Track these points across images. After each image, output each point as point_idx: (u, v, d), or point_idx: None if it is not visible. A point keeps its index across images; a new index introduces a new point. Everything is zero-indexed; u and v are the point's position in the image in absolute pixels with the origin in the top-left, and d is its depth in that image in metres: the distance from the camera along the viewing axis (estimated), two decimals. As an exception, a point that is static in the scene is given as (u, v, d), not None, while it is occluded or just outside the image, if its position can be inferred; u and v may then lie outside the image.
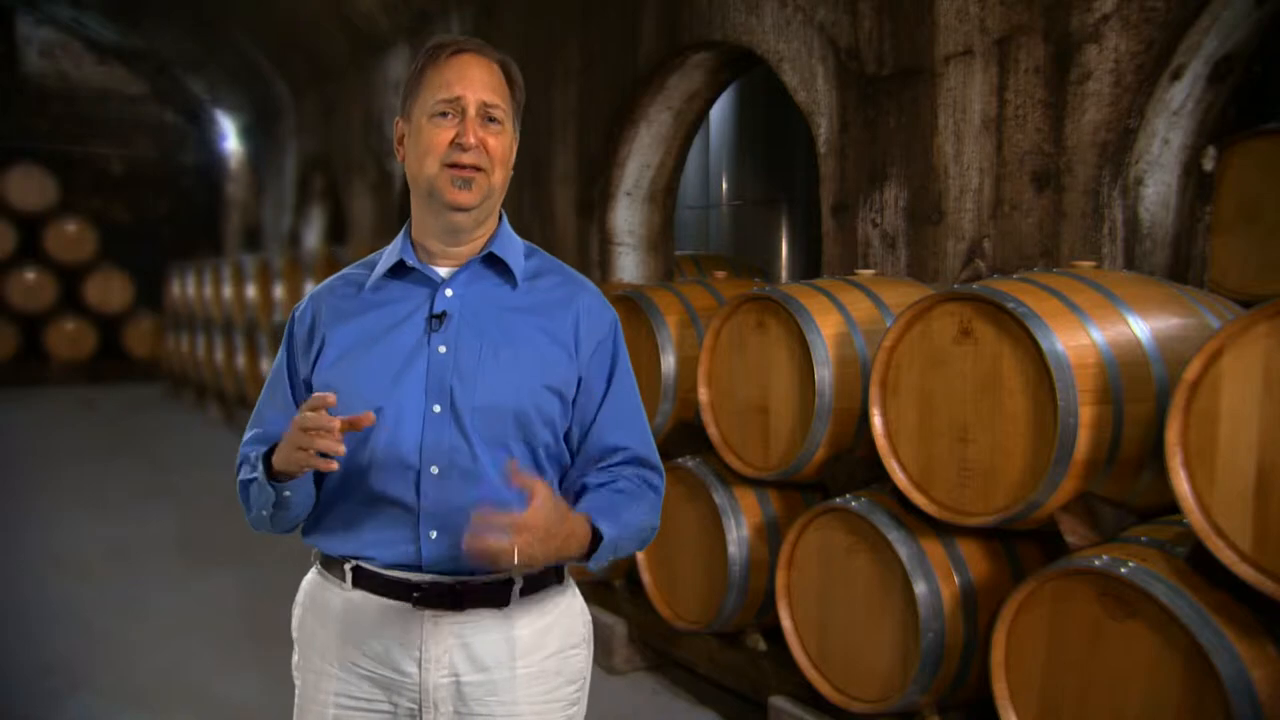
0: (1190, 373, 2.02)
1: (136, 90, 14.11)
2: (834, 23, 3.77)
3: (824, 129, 3.85)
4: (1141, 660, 2.06)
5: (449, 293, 1.53)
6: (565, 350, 1.55)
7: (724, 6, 4.31)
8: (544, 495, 1.35)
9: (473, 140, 1.46)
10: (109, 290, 13.67)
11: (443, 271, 1.55)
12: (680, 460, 3.48)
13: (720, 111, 7.44)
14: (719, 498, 3.28)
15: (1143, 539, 2.25)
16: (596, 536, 1.45)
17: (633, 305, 3.81)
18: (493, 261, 1.56)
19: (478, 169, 1.48)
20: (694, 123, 5.18)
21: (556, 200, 5.69)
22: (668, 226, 5.42)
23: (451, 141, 1.47)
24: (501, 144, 1.50)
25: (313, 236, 10.90)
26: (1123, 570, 2.06)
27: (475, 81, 1.48)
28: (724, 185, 7.65)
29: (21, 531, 5.91)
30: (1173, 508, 2.21)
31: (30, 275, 13.21)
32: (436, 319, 1.51)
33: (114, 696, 3.62)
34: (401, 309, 1.54)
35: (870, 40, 3.63)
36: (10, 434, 9.50)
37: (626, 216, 5.31)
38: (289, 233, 11.36)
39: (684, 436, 3.64)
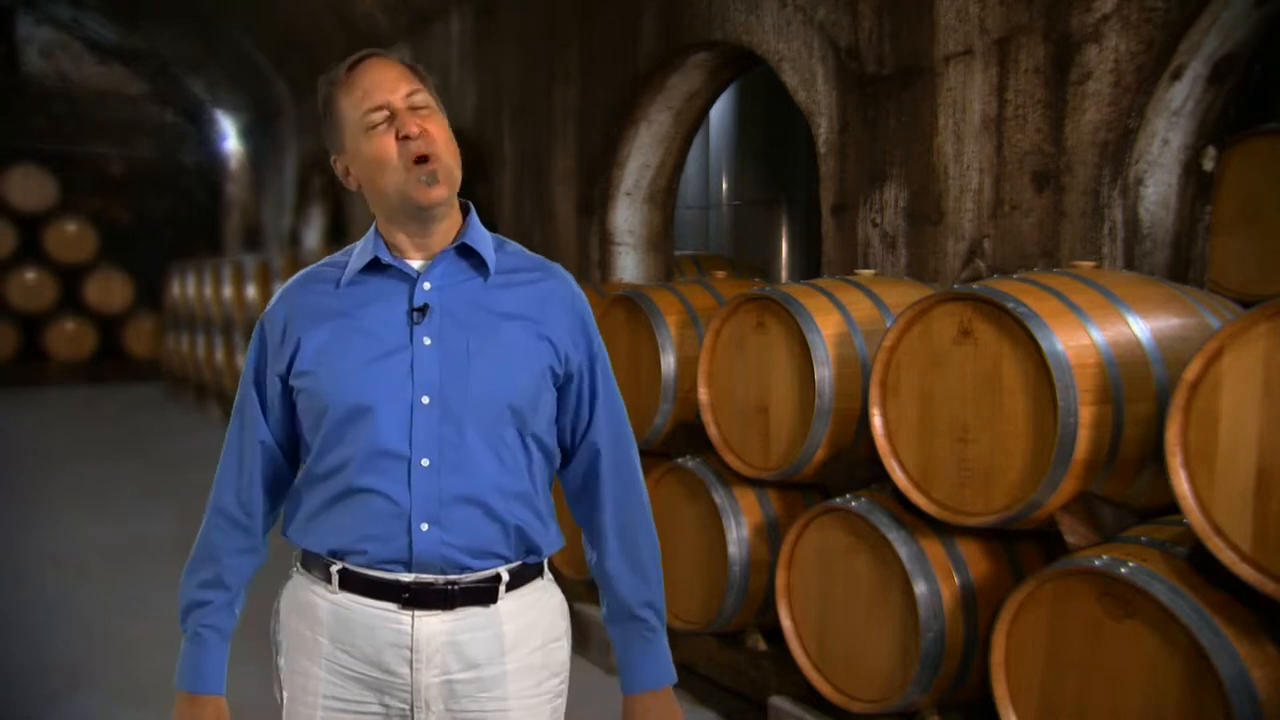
0: (1190, 373, 2.02)
1: (136, 90, 14.10)
2: (834, 23, 3.77)
3: (824, 129, 3.84)
4: (1141, 660, 2.06)
5: (426, 286, 1.52)
6: (548, 340, 1.55)
7: (724, 6, 4.31)
8: None
9: (415, 129, 1.45)
10: (109, 290, 13.66)
11: (416, 265, 1.54)
12: (680, 460, 3.48)
13: (720, 111, 7.43)
14: (719, 498, 3.28)
15: (1143, 539, 2.25)
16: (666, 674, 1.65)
17: (633, 305, 3.81)
18: (466, 253, 1.55)
19: (434, 158, 1.46)
20: (694, 123, 5.18)
21: (557, 200, 5.69)
22: (668, 226, 5.42)
23: (398, 140, 1.45)
24: (441, 128, 1.49)
25: (313, 236, 10.90)
26: (1123, 570, 2.06)
27: (387, 80, 1.47)
28: (724, 185, 7.65)
29: (21, 532, 5.91)
30: (1173, 508, 2.21)
31: (30, 275, 13.21)
32: (418, 312, 1.50)
33: (114, 696, 3.62)
34: (379, 304, 1.53)
35: (870, 40, 3.63)
36: (10, 434, 9.50)
37: (626, 216, 5.31)
38: (289, 233, 11.36)
39: (684, 436, 3.64)
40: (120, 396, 12.08)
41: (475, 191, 8.44)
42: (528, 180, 6.00)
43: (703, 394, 3.32)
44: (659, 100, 4.99)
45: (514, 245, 1.63)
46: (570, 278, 1.64)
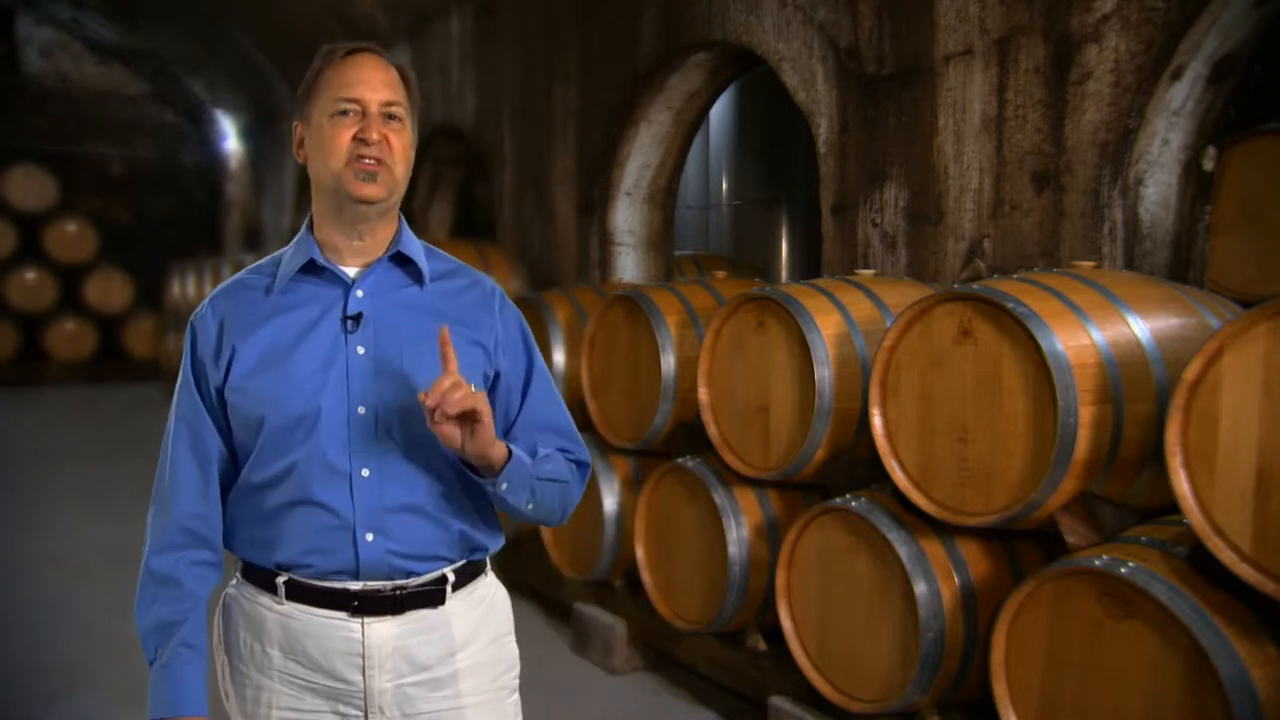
0: (1190, 373, 2.02)
1: (136, 90, 14.09)
2: (834, 23, 3.77)
3: (824, 129, 3.85)
4: (1141, 660, 2.06)
5: (360, 293, 1.53)
6: (481, 346, 1.58)
7: (724, 6, 4.31)
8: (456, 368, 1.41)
9: (375, 136, 1.47)
10: (109, 290, 13.65)
11: (351, 271, 1.55)
12: (680, 460, 3.48)
13: (720, 111, 7.43)
14: (719, 498, 3.28)
15: (1143, 539, 2.25)
16: (510, 457, 1.50)
17: (633, 305, 3.81)
18: (401, 261, 1.57)
19: (380, 162, 1.48)
20: (694, 123, 5.18)
21: (557, 200, 5.69)
22: (668, 226, 5.42)
23: (354, 138, 1.47)
24: (402, 141, 1.51)
25: (313, 236, 10.90)
26: (1123, 570, 2.06)
27: (374, 81, 1.49)
28: (724, 185, 7.65)
29: (21, 531, 5.91)
30: (1173, 508, 2.21)
31: (30, 275, 13.19)
32: (352, 320, 1.51)
33: (114, 696, 3.62)
34: (312, 311, 1.53)
35: (870, 40, 3.63)
36: (10, 434, 9.50)
37: (626, 216, 5.31)
38: (289, 233, 11.35)
39: (684, 436, 3.64)
40: (120, 396, 12.07)
41: (475, 191, 8.44)
42: (528, 180, 6.00)
43: (703, 394, 3.32)
44: (659, 100, 4.99)
45: (441, 252, 1.65)
46: (502, 289, 1.67)
